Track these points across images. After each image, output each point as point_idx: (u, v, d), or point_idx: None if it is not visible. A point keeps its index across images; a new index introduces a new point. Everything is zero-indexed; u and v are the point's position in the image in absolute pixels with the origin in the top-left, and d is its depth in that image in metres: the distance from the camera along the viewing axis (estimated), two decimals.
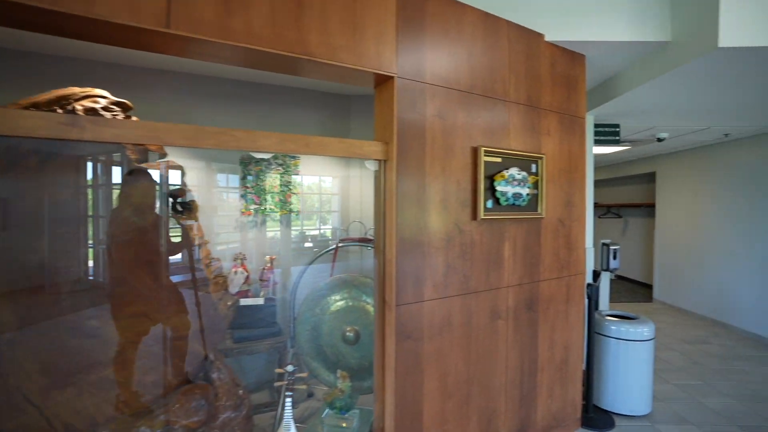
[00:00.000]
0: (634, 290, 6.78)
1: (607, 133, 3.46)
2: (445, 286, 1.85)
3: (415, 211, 1.75)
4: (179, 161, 2.29)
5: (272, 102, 3.15)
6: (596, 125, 3.46)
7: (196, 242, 2.21)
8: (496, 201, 1.97)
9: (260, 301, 2.89)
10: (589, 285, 2.66)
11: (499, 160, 1.98)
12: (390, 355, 1.72)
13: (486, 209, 1.93)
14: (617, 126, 3.48)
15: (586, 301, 2.69)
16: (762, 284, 4.19)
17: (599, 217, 8.14)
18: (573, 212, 2.39)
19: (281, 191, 3.18)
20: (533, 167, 2.13)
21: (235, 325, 2.84)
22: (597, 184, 8.43)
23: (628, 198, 7.40)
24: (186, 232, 2.17)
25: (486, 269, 1.99)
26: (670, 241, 5.65)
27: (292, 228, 3.37)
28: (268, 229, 3.21)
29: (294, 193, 3.23)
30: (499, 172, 1.96)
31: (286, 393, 2.23)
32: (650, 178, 6.53)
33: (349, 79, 1.74)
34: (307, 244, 3.49)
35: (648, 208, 6.68)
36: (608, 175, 7.30)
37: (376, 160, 1.75)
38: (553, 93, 2.27)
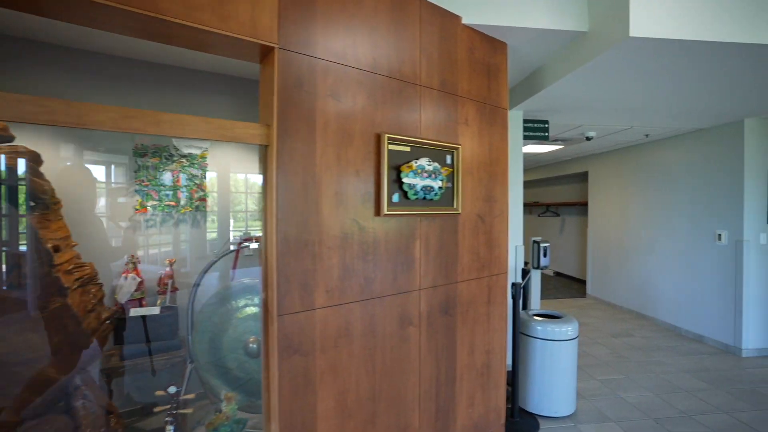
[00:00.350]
0: (570, 286, 7.01)
1: (536, 129, 3.43)
2: (341, 291, 1.61)
3: (302, 206, 1.50)
4: (40, 147, 1.88)
5: (188, 88, 2.77)
6: (525, 120, 3.41)
7: (50, 244, 1.81)
8: (404, 195, 1.77)
9: (155, 310, 2.51)
10: (513, 285, 2.56)
11: (407, 149, 1.78)
12: (273, 374, 1.46)
13: (391, 204, 1.72)
14: (546, 122, 3.46)
15: (511, 301, 2.59)
16: (677, 278, 4.41)
17: (539, 216, 8.39)
18: (494, 208, 2.26)
19: (187, 186, 2.81)
20: (448, 159, 1.96)
21: (124, 340, 2.44)
22: (537, 183, 8.70)
23: (565, 197, 7.67)
24: (34, 233, 1.77)
25: (393, 271, 1.78)
26: (601, 239, 5.87)
27: (209, 229, 3.00)
28: (180, 230, 2.82)
29: (201, 189, 2.87)
30: (407, 162, 1.76)
31: (167, 419, 1.90)
32: (583, 177, 6.79)
33: (220, 48, 1.46)
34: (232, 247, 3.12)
35: (582, 207, 6.93)
36: (547, 175, 7.51)
37: (255, 144, 1.48)
38: (472, 80, 2.12)
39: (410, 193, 1.76)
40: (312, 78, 1.53)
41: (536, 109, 3.26)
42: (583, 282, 6.94)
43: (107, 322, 2.17)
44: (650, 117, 3.60)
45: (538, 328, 2.63)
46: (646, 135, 4.44)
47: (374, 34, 1.71)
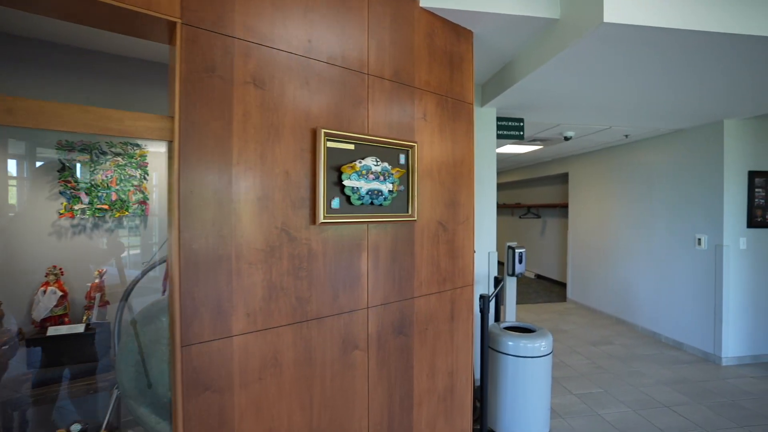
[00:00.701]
0: (551, 289, 6.89)
1: (510, 128, 3.23)
2: (267, 313, 1.37)
3: (215, 214, 1.25)
4: None
5: (133, 79, 2.47)
6: (499, 119, 3.21)
7: None
8: (347, 200, 1.53)
9: (78, 328, 2.21)
10: (481, 297, 2.34)
11: (351, 147, 1.55)
12: (178, 418, 1.21)
13: (330, 210, 1.48)
14: (521, 120, 3.27)
15: (479, 315, 2.37)
16: (656, 282, 4.28)
17: (520, 218, 8.26)
18: (458, 213, 2.04)
19: (123, 188, 2.51)
20: (402, 158, 1.73)
21: (40, 363, 2.14)
22: (518, 184, 8.57)
23: (546, 198, 7.55)
24: None
25: (333, 288, 1.54)
26: (581, 241, 5.74)
27: (151, 236, 2.70)
28: (116, 236, 2.52)
29: (140, 191, 2.57)
30: (350, 162, 1.53)
31: None
32: (564, 178, 6.67)
33: (117, 24, 1.20)
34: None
35: (563, 209, 6.82)
36: (528, 176, 7.38)
37: (155, 140, 1.22)
38: (432, 71, 1.89)
39: (353, 198, 1.52)
40: (228, 61, 1.27)
41: (510, 106, 3.06)
42: (563, 285, 6.82)
43: (4, 347, 1.87)
44: (629, 116, 3.44)
45: (509, 343, 2.43)
46: (626, 135, 4.30)
47: (310, 14, 1.47)
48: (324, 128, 1.45)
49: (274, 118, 1.37)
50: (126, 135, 1.16)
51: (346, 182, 1.49)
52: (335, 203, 1.50)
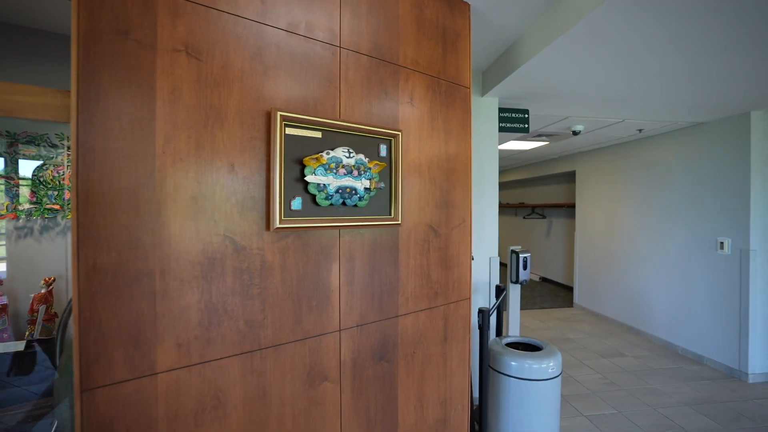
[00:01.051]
0: (557, 293, 6.57)
1: (514, 120, 2.93)
2: (205, 342, 1.08)
3: (130, 218, 0.97)
4: None
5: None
6: (502, 109, 2.91)
7: None
8: (312, 199, 1.24)
9: (19, 346, 1.94)
10: (481, 312, 2.05)
11: (317, 135, 1.26)
12: None
13: (290, 213, 1.20)
14: (526, 112, 2.97)
15: (477, 330, 2.08)
16: (674, 289, 3.96)
17: (524, 218, 7.94)
18: (453, 216, 1.74)
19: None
20: (383, 150, 1.44)
21: None
22: (522, 183, 8.25)
23: (552, 198, 7.23)
24: None
25: (296, 308, 1.26)
26: (589, 243, 5.42)
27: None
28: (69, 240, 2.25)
29: None
30: (317, 154, 1.24)
31: None
32: (571, 177, 6.35)
33: None
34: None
35: (570, 209, 6.50)
36: (533, 174, 7.06)
37: (49, 121, 0.94)
38: (420, 47, 1.60)
39: (320, 198, 1.24)
40: (148, 22, 0.99)
41: (514, 95, 2.76)
42: (570, 289, 6.50)
43: None
44: (644, 108, 3.13)
45: (512, 363, 2.13)
46: (640, 130, 3.98)
47: None
48: (281, 111, 1.16)
49: (215, 98, 1.09)
50: (3, 114, 0.88)
51: (309, 178, 1.21)
52: (296, 204, 1.21)
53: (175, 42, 1.02)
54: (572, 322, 4.93)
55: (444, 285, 1.71)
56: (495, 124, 2.82)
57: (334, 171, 1.25)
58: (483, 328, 2.02)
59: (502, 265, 7.74)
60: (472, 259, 2.65)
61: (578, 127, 3.73)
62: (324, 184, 1.24)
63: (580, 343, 4.17)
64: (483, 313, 2.02)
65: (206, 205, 1.08)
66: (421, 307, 1.62)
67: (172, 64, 1.02)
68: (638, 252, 4.47)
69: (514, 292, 2.89)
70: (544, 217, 7.48)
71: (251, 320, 1.16)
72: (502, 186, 9.16)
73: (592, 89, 2.64)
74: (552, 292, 6.64)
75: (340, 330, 1.36)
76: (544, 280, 7.57)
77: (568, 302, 5.93)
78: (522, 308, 5.61)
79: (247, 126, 1.14)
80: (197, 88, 1.06)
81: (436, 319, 1.68)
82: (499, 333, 2.53)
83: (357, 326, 1.41)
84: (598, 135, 4.29)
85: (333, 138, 1.29)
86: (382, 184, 1.40)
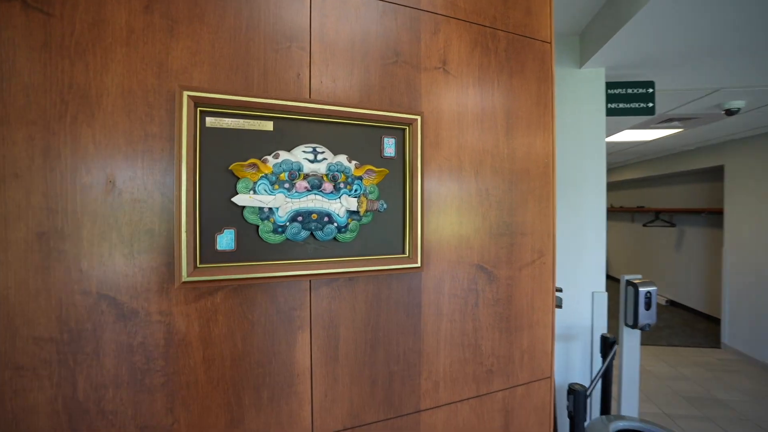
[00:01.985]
0: (693, 325, 5.07)
1: (631, 98, 2.07)
2: None
3: None
4: None
5: None
6: (611, 84, 2.08)
7: None
8: (255, 231, 0.75)
9: None
10: (572, 392, 1.33)
11: (267, 126, 0.77)
12: None
13: (213, 256, 0.72)
14: (650, 85, 2.08)
15: (567, 421, 1.37)
16: None
17: (644, 225, 6.42)
18: (521, 248, 1.10)
19: None
20: (388, 147, 0.88)
21: None
22: (640, 182, 6.75)
23: (685, 201, 5.67)
24: None
25: (229, 403, 0.78)
26: (745, 263, 3.98)
27: None
28: None
29: None
30: (261, 158, 0.75)
31: None
32: (716, 174, 4.83)
33: None
34: None
35: (713, 216, 4.97)
36: (656, 171, 5.62)
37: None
38: None
39: (264, 230, 0.74)
40: None
41: (630, 63, 1.92)
42: (714, 321, 4.96)
43: None
44: None
45: None
46: None
47: None
48: (195, 91, 0.70)
49: (79, 73, 0.67)
50: None
51: (240, 199, 0.72)
52: (225, 240, 0.73)
53: None
54: (721, 372, 3.62)
55: (505, 358, 1.08)
56: (601, 105, 2.01)
57: (287, 185, 0.74)
58: (575, 416, 1.30)
59: (608, 278, 6.45)
60: (560, 290, 1.91)
61: (736, 104, 2.61)
62: (270, 208, 0.74)
63: (737, 410, 2.96)
64: (576, 395, 1.30)
65: (65, 246, 0.66)
66: (462, 396, 1.02)
67: None
68: None
69: (631, 342, 2.04)
70: (672, 225, 5.91)
71: (151, 426, 0.72)
72: (611, 186, 7.64)
73: (749, 41, 1.67)
74: (687, 323, 5.15)
75: None
76: (672, 303, 5.99)
77: (713, 341, 4.48)
78: (642, 342, 4.39)
79: (139, 116, 0.70)
80: (42, 57, 0.65)
81: (490, 412, 1.06)
82: (604, 411, 1.74)
83: (345, 430, 0.88)
84: (763, 113, 3.02)
85: (296, 130, 0.79)
86: (382, 204, 0.85)
